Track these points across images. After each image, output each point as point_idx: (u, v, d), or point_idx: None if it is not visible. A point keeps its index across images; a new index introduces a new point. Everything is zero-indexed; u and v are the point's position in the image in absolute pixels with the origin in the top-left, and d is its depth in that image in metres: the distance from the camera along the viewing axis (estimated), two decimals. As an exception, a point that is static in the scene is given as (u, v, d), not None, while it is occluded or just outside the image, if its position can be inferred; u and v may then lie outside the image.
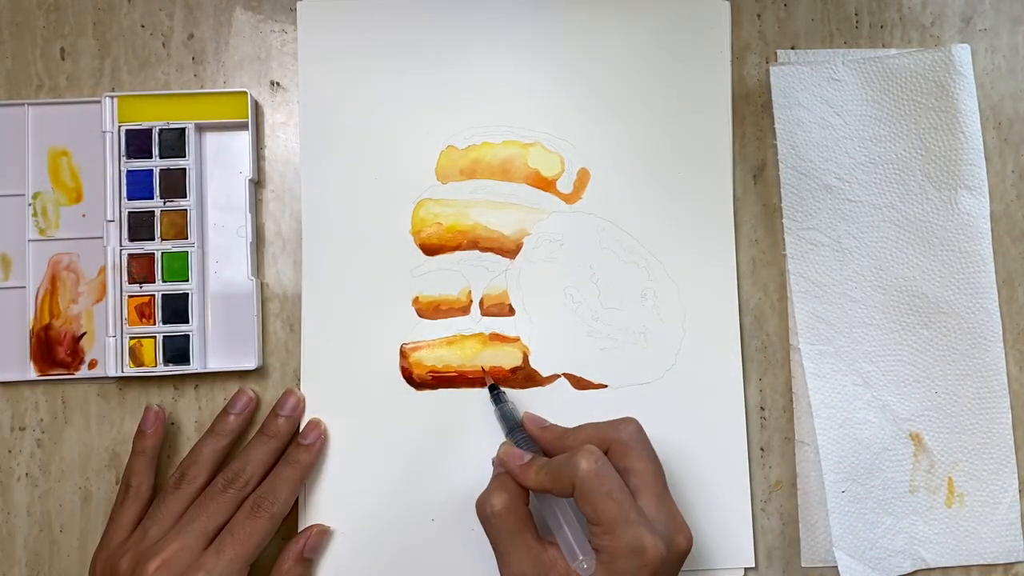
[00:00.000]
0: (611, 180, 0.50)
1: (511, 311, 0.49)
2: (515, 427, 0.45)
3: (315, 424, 0.47)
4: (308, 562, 0.45)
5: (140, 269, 0.47)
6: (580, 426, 0.44)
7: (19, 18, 0.50)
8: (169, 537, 0.42)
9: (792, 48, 0.51)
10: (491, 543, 0.41)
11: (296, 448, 0.46)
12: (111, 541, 0.44)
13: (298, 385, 0.48)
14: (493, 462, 0.45)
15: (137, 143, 0.47)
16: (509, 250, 0.49)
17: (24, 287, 0.48)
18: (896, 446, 0.49)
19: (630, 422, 0.43)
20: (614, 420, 0.43)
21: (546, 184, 0.49)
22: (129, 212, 0.47)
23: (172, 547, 0.41)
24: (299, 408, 0.47)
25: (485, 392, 0.47)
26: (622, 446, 0.42)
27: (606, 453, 0.41)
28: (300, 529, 0.46)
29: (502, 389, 0.47)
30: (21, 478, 0.48)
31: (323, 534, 0.46)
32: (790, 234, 0.50)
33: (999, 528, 0.49)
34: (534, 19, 0.50)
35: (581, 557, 0.40)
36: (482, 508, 0.42)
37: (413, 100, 0.49)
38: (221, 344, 0.48)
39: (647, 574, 0.38)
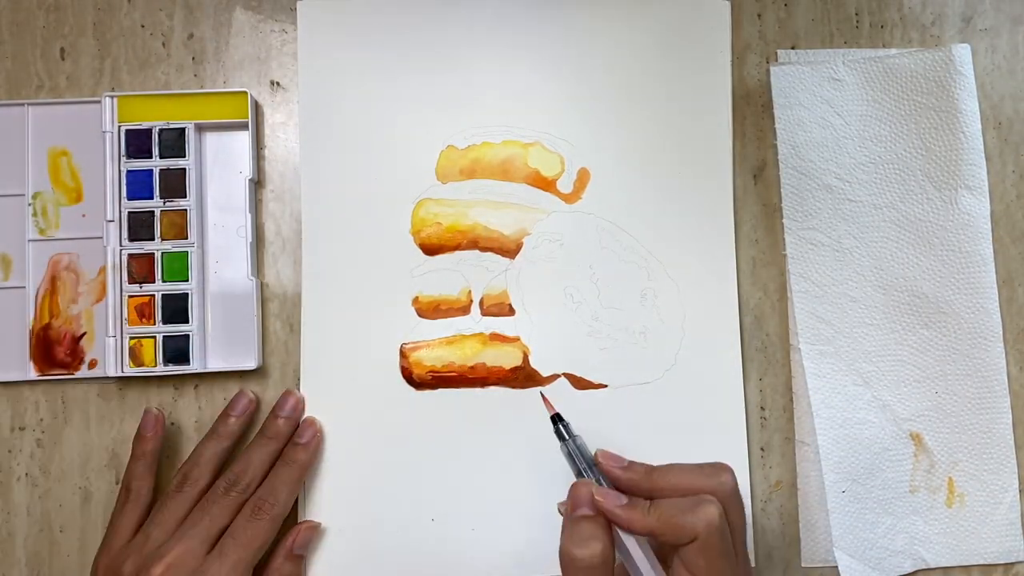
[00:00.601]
0: (611, 180, 0.50)
1: (511, 311, 0.49)
2: (589, 467, 0.41)
3: (310, 423, 0.47)
4: (299, 559, 0.45)
5: (140, 269, 0.47)
6: (669, 466, 0.41)
7: (19, 18, 0.50)
8: (172, 541, 0.42)
9: (792, 48, 0.51)
10: None
11: (293, 448, 0.46)
12: (112, 545, 0.43)
13: (298, 385, 0.48)
14: (560, 507, 0.41)
15: (137, 143, 0.47)
16: (509, 250, 0.49)
17: (24, 287, 0.48)
18: (896, 446, 0.49)
19: (727, 470, 0.40)
20: (710, 465, 0.41)
21: (546, 184, 0.49)
22: (129, 212, 0.47)
23: (176, 551, 0.41)
24: (298, 409, 0.47)
25: (485, 392, 0.47)
26: (725, 497, 0.39)
27: None
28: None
29: (566, 420, 0.43)
30: (21, 478, 0.48)
31: (312, 530, 0.46)
32: (790, 234, 0.50)
33: (999, 528, 0.49)
34: (534, 19, 0.50)
35: None
36: (571, 555, 0.37)
37: (413, 100, 0.49)
38: (221, 344, 0.48)
39: None
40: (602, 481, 0.41)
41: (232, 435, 0.46)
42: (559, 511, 0.41)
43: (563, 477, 0.43)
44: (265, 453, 0.45)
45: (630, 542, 0.39)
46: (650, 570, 0.38)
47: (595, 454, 0.42)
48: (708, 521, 0.37)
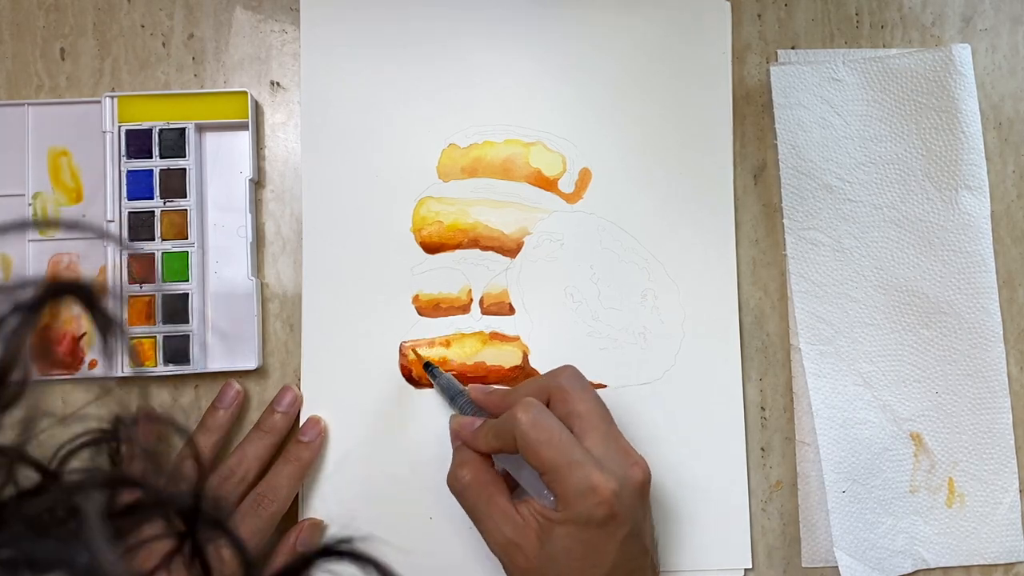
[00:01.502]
0: (612, 180, 0.50)
1: (511, 310, 0.49)
2: (457, 395, 0.46)
3: (315, 421, 0.47)
4: None
5: (140, 269, 0.47)
6: (521, 383, 0.45)
7: (19, 18, 0.50)
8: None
9: (792, 48, 0.51)
10: (468, 515, 0.42)
11: (296, 445, 0.46)
12: None
13: (298, 384, 0.48)
14: (452, 440, 0.45)
15: (137, 143, 0.47)
16: (510, 249, 0.49)
17: (24, 287, 0.48)
18: (896, 446, 0.49)
19: (567, 368, 0.43)
20: (552, 370, 0.44)
21: (547, 183, 0.49)
22: (129, 212, 0.47)
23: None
24: (296, 404, 0.47)
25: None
26: (562, 392, 0.42)
27: (547, 403, 0.42)
28: (300, 527, 0.46)
29: (436, 365, 0.47)
30: (21, 478, 0.48)
31: (315, 528, 0.46)
32: (790, 234, 0.50)
33: (999, 528, 0.49)
34: (536, 19, 0.50)
35: (546, 491, 0.40)
36: (452, 484, 0.42)
37: (415, 98, 0.49)
38: (221, 344, 0.48)
39: (604, 511, 0.38)
40: (477, 411, 0.45)
41: (222, 428, 0.46)
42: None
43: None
44: (261, 446, 0.45)
45: (498, 460, 0.43)
46: (519, 472, 0.42)
47: (468, 388, 0.46)
48: (518, 423, 0.39)
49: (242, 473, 0.44)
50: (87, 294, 0.21)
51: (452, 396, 0.46)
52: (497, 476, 0.42)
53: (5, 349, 0.20)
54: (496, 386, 0.47)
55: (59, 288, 0.21)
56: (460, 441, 0.44)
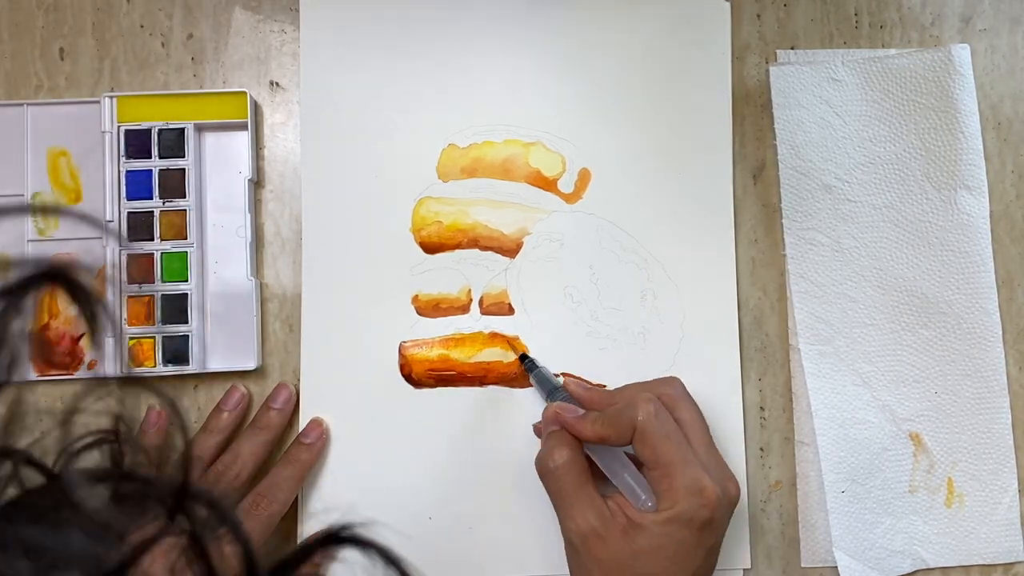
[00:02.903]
0: (612, 180, 0.50)
1: (511, 310, 0.49)
2: (555, 389, 0.46)
3: (317, 423, 0.47)
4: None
5: (139, 269, 0.47)
6: (625, 386, 0.46)
7: (18, 18, 0.50)
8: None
9: (792, 48, 0.51)
10: (553, 499, 0.42)
11: (297, 447, 0.46)
12: None
13: (298, 384, 0.48)
14: (536, 428, 0.46)
15: (136, 143, 0.47)
16: (509, 249, 0.49)
17: (23, 287, 0.48)
18: (896, 446, 0.49)
19: (675, 380, 0.45)
20: (659, 378, 0.46)
21: (547, 184, 0.49)
22: (128, 212, 0.47)
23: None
24: (291, 401, 0.47)
25: (484, 390, 0.47)
26: (670, 399, 0.43)
27: None
28: (300, 526, 0.46)
29: (531, 356, 0.48)
30: (20, 478, 0.47)
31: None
32: (790, 234, 0.50)
33: (999, 528, 0.49)
34: (535, 19, 0.50)
35: (644, 497, 0.41)
36: (544, 463, 0.42)
37: (415, 98, 0.49)
38: (221, 344, 0.48)
39: (707, 514, 0.39)
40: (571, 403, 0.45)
41: (225, 429, 0.46)
42: (535, 433, 0.47)
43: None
44: (256, 443, 0.45)
45: (593, 451, 0.43)
46: (620, 470, 0.42)
47: (563, 380, 0.47)
48: (640, 413, 0.40)
49: (237, 469, 0.44)
50: (71, 278, 0.21)
51: (550, 390, 0.46)
52: (588, 466, 0.43)
53: None
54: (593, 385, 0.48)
55: (44, 273, 0.21)
56: (558, 425, 0.43)
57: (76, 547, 0.19)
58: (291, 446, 0.46)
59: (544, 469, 0.42)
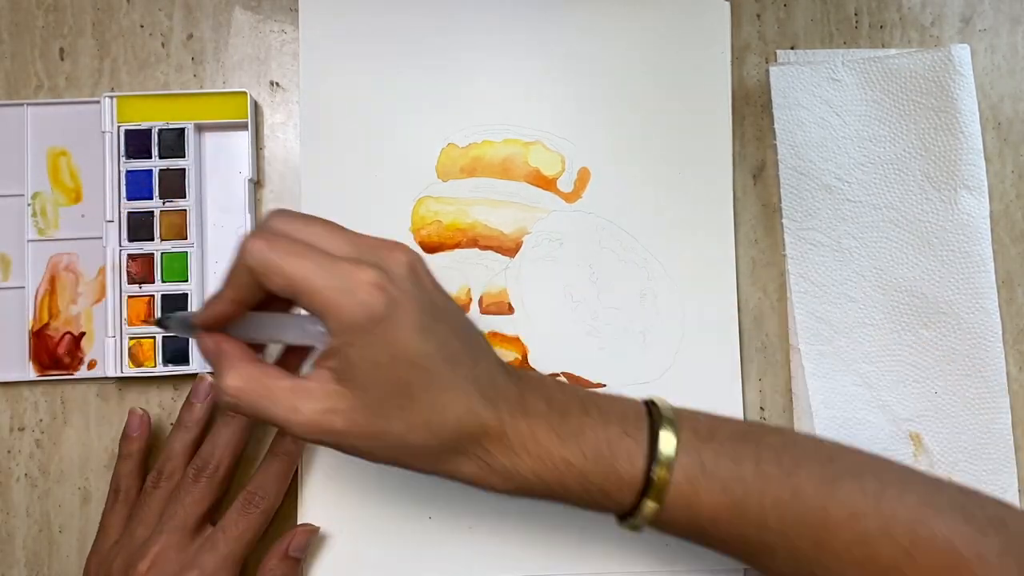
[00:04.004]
0: (611, 180, 0.50)
1: (510, 310, 0.49)
2: (193, 326, 0.37)
3: None
4: (295, 561, 0.45)
5: (139, 269, 0.47)
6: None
7: (18, 18, 0.50)
8: (153, 536, 0.42)
9: (792, 48, 0.51)
10: (260, 420, 0.35)
11: (281, 439, 0.45)
12: (102, 545, 0.44)
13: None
14: (208, 359, 0.37)
15: (136, 143, 0.47)
16: (509, 248, 0.49)
17: (23, 287, 0.48)
18: (896, 446, 0.49)
19: (271, 215, 0.37)
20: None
21: (546, 183, 0.49)
22: (128, 212, 0.47)
23: (158, 546, 0.41)
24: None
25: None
26: (286, 226, 0.36)
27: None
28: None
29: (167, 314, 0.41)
30: (20, 478, 0.48)
31: (308, 533, 0.45)
32: (790, 234, 0.50)
33: (999, 528, 0.49)
34: (535, 19, 0.50)
35: (319, 329, 0.35)
36: (223, 399, 0.35)
37: (414, 98, 0.49)
38: (220, 344, 0.48)
39: (379, 299, 0.33)
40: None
41: (199, 422, 0.45)
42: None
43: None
44: (230, 432, 0.44)
45: (245, 330, 0.37)
46: (274, 334, 0.37)
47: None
48: (246, 249, 0.34)
49: (215, 462, 0.43)
50: None
51: (190, 326, 0.37)
52: (267, 364, 0.36)
53: None
54: None
55: None
56: (211, 344, 0.36)
57: None
58: (275, 440, 0.45)
59: (228, 406, 0.35)
